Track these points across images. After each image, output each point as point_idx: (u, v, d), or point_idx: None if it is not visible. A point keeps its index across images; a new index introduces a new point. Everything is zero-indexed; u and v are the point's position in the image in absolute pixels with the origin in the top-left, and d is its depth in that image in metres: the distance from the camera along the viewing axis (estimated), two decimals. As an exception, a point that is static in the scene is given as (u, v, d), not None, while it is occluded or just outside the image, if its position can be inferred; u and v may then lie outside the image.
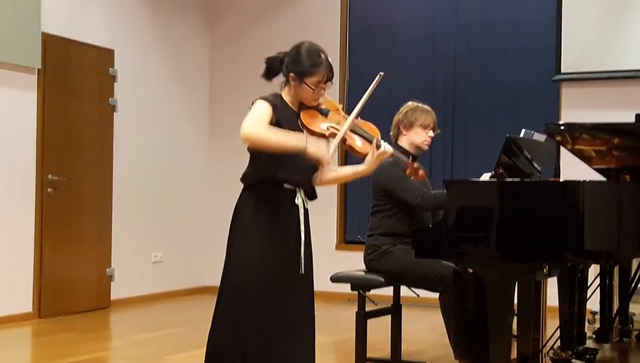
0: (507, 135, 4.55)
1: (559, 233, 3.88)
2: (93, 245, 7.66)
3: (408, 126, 5.01)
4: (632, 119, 4.86)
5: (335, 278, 5.03)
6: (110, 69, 7.84)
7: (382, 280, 4.89)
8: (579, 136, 4.70)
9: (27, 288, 7.06)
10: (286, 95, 3.70)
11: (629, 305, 5.99)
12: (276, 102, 3.62)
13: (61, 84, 7.37)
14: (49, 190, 7.19)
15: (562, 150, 5.13)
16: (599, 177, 5.09)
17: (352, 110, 3.71)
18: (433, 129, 5.05)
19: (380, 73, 3.71)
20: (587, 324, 5.86)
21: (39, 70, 7.13)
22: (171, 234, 8.59)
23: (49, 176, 7.20)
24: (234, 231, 3.68)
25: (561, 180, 4.64)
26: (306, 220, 3.71)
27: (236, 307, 3.58)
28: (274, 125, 3.55)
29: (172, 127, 8.66)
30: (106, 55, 7.83)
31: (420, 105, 5.09)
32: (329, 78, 3.68)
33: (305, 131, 3.61)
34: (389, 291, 5.13)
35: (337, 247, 8.69)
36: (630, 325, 6.07)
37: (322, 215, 8.71)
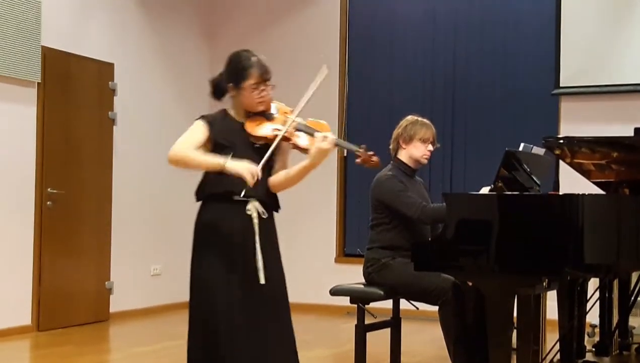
0: (507, 148, 4.56)
1: (558, 247, 3.88)
2: (92, 258, 7.65)
3: (407, 140, 5.02)
4: (631, 133, 4.86)
5: (335, 292, 5.02)
6: (110, 82, 7.86)
7: (382, 293, 4.88)
8: (578, 150, 4.70)
9: (26, 301, 7.05)
10: (231, 109, 3.75)
11: (628, 318, 5.98)
12: (214, 118, 3.70)
13: (61, 97, 7.38)
14: (48, 203, 7.19)
15: (561, 163, 5.13)
16: (598, 191, 5.09)
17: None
18: (432, 143, 5.06)
19: (326, 70, 3.66)
20: (586, 337, 5.85)
21: (39, 83, 7.14)
22: (170, 247, 8.57)
23: (49, 189, 7.20)
24: (192, 250, 3.72)
25: (560, 193, 4.64)
26: (266, 230, 3.66)
27: (190, 326, 3.65)
28: (211, 142, 3.64)
29: (171, 140, 8.58)
30: (106, 69, 7.84)
31: (420, 119, 5.11)
32: (265, 78, 3.66)
33: (250, 138, 3.63)
34: (388, 304, 5.12)
35: (337, 260, 8.70)
36: (630, 339, 6.05)
37: (321, 228, 8.75)
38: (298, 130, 3.66)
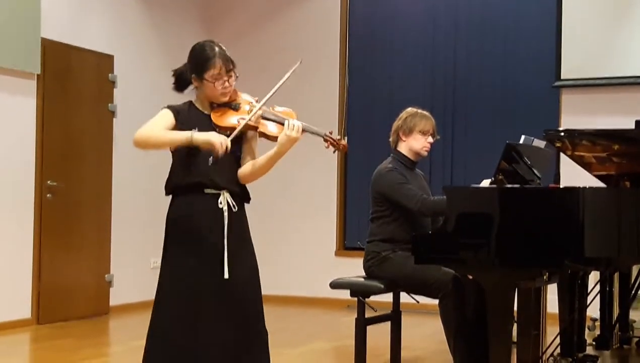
0: (507, 141, 4.54)
1: (558, 240, 3.86)
2: (92, 251, 7.64)
3: (407, 132, 5.01)
4: (632, 125, 4.85)
5: (335, 285, 5.01)
6: (109, 74, 7.84)
7: (382, 286, 4.87)
8: (579, 142, 4.69)
9: (26, 294, 7.04)
10: (197, 101, 3.72)
11: (629, 311, 5.98)
12: (181, 108, 3.66)
13: (61, 89, 7.36)
14: (48, 195, 7.18)
15: (562, 156, 5.12)
16: (598, 184, 5.08)
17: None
18: (432, 135, 5.05)
19: (299, 62, 3.61)
20: (587, 331, 5.85)
21: (38, 75, 7.12)
22: (170, 240, 8.57)
23: (48, 182, 7.19)
24: (163, 243, 3.68)
25: (561, 186, 4.63)
26: (237, 223, 3.62)
27: (151, 320, 3.66)
28: (176, 130, 3.59)
29: (171, 132, 8.63)
30: (106, 61, 7.82)
31: (419, 111, 5.09)
32: (228, 68, 3.62)
33: (217, 129, 3.59)
34: (388, 297, 5.11)
35: (337, 254, 8.69)
36: (631, 332, 6.05)
37: (321, 222, 8.74)
38: (265, 118, 3.63)
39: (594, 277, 5.81)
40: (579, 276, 5.23)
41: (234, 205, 3.61)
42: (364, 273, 5.04)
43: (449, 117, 8.24)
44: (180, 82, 3.77)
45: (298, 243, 8.80)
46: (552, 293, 5.10)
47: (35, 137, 7.13)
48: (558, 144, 4.78)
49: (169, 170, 3.69)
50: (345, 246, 8.73)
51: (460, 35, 8.34)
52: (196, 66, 3.65)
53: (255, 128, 3.61)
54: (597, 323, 6.05)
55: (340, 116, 8.67)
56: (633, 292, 5.76)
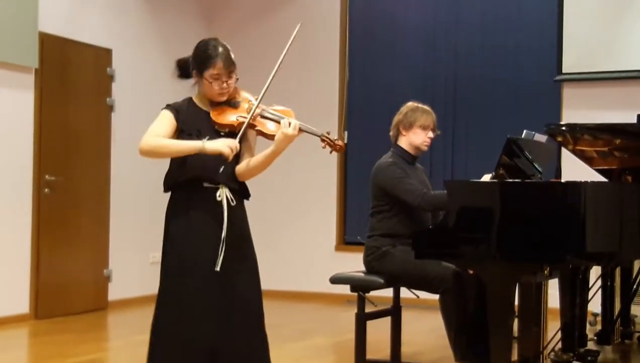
0: (508, 135, 4.52)
1: (560, 235, 3.84)
2: (90, 246, 7.62)
3: (408, 127, 4.99)
4: (633, 120, 4.83)
5: (335, 280, 5.00)
6: (107, 68, 7.82)
7: (382, 281, 4.86)
8: (581, 137, 4.67)
9: (24, 289, 7.02)
10: (196, 97, 3.73)
11: (630, 306, 5.97)
12: (180, 107, 3.67)
13: (58, 83, 7.33)
14: (46, 190, 7.16)
15: (564, 151, 5.10)
16: (600, 178, 5.06)
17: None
18: (433, 130, 5.02)
19: (300, 23, 3.70)
20: (588, 326, 5.83)
21: (36, 69, 7.10)
22: (169, 235, 8.55)
23: (46, 176, 7.16)
24: (163, 236, 3.69)
25: (562, 181, 4.60)
26: (236, 218, 3.62)
27: (155, 314, 3.63)
28: (177, 130, 3.60)
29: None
30: (104, 55, 7.80)
31: (420, 105, 5.07)
32: (228, 70, 3.62)
33: (216, 126, 3.61)
34: (388, 292, 5.10)
35: (337, 249, 8.67)
36: (632, 327, 6.04)
37: (321, 217, 8.72)
38: (263, 117, 3.65)
39: (595, 271, 5.79)
40: (580, 271, 5.21)
41: (232, 199, 3.61)
42: (364, 268, 5.03)
43: (450, 111, 8.21)
44: (183, 72, 3.79)
45: (298, 238, 8.78)
46: (553, 288, 5.09)
47: (33, 131, 7.10)
48: (559, 138, 4.77)
49: (167, 165, 3.68)
50: (345, 241, 8.71)
51: (462, 30, 8.31)
52: (198, 62, 3.66)
53: (254, 126, 3.63)
54: (599, 318, 6.04)
55: (340, 110, 8.64)
56: (634, 286, 5.76)
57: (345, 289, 5.00)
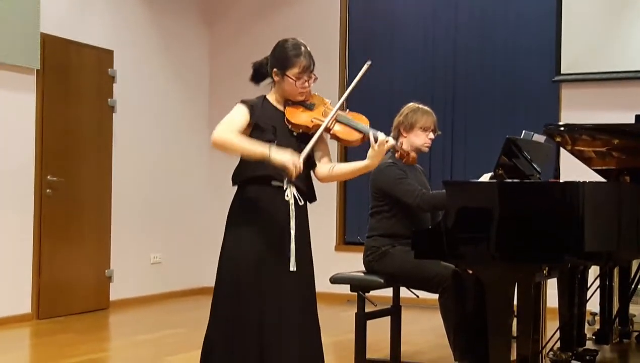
0: (507, 136, 4.54)
1: (558, 235, 3.87)
2: (92, 246, 7.64)
3: (408, 128, 5.00)
4: (632, 120, 4.85)
5: (335, 280, 5.01)
6: (109, 69, 7.83)
7: (382, 281, 4.88)
8: (579, 137, 4.69)
9: (26, 289, 7.04)
10: (271, 95, 3.76)
11: (628, 306, 5.98)
12: (256, 103, 3.69)
13: (60, 84, 7.36)
14: (47, 191, 7.18)
15: (562, 151, 5.12)
16: (598, 178, 5.08)
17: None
18: (433, 131, 5.04)
19: (368, 62, 3.74)
20: (587, 325, 5.84)
21: (38, 70, 7.12)
22: (170, 235, 8.57)
23: (48, 177, 7.18)
24: (225, 230, 3.73)
25: (561, 181, 4.62)
26: (301, 217, 3.68)
27: (220, 304, 3.64)
28: (251, 126, 3.63)
29: (171, 128, 8.65)
30: (105, 56, 7.82)
31: (421, 106, 5.08)
32: (310, 68, 3.68)
33: (289, 126, 3.65)
34: (388, 292, 5.11)
35: (337, 248, 8.68)
36: (630, 327, 6.06)
37: (321, 216, 8.70)
38: (339, 121, 3.69)
39: (593, 271, 5.81)
40: (578, 271, 5.23)
41: (299, 199, 3.66)
42: (363, 268, 5.04)
43: (449, 112, 8.22)
44: (258, 74, 3.81)
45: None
46: (551, 287, 5.10)
47: (35, 133, 7.12)
48: (558, 139, 4.79)
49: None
50: (345, 241, 8.73)
51: (460, 30, 8.32)
52: (280, 61, 3.69)
53: (328, 130, 3.67)
54: (597, 318, 6.06)
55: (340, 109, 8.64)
56: (633, 286, 5.77)
57: (345, 289, 5.01)
